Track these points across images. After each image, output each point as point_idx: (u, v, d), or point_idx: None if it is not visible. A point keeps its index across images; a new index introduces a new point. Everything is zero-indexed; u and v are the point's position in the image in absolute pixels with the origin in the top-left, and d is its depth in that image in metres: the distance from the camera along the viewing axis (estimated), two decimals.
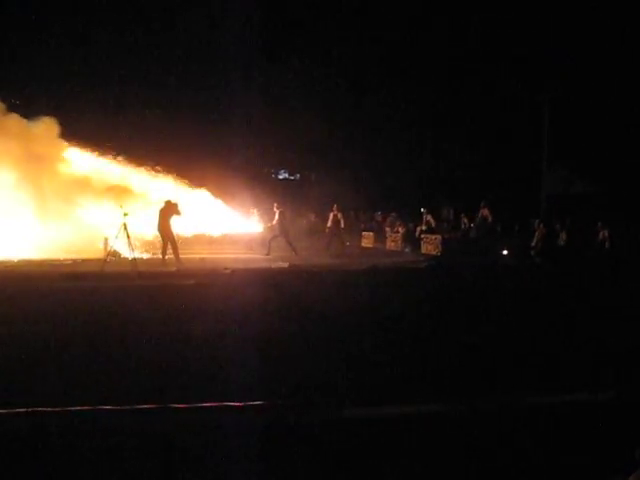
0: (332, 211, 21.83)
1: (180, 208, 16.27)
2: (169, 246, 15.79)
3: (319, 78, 31.52)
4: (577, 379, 5.35)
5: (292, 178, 39.95)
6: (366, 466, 3.57)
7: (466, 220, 22.67)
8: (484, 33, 28.60)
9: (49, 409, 4.30)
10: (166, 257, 15.66)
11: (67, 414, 4.25)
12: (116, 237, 15.22)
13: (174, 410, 4.35)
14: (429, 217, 22.95)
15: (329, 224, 21.86)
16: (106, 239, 15.85)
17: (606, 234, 16.56)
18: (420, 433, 4.05)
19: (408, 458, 3.67)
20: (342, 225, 21.75)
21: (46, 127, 18.60)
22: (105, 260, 14.62)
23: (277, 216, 19.83)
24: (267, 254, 19.09)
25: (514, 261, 17.47)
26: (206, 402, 4.49)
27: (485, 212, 21.35)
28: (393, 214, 26.66)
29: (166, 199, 16.32)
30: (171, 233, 15.78)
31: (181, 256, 15.82)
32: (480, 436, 4.03)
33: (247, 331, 7.08)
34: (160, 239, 16.18)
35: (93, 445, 3.77)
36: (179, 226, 16.73)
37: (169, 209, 16.00)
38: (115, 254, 15.57)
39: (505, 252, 18.62)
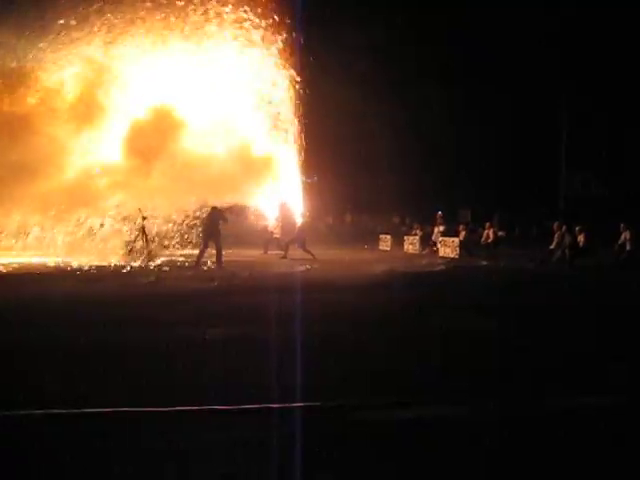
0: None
1: (227, 214, 16.60)
2: (205, 252, 15.93)
3: (334, 80, 31.49)
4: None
5: (309, 181, 39.93)
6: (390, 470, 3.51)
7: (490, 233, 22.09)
8: (507, 36, 28.45)
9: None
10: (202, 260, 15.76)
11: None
12: (135, 240, 15.36)
13: (179, 413, 4.31)
14: (440, 227, 22.63)
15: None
16: (129, 241, 15.94)
17: (628, 235, 16.43)
18: (436, 436, 3.99)
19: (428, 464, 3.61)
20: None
21: None
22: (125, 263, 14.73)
23: (301, 222, 19.81)
24: (284, 257, 19.09)
25: (533, 264, 17.31)
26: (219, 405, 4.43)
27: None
28: (409, 218, 26.54)
29: (212, 206, 16.39)
30: (219, 238, 15.93)
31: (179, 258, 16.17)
32: (507, 440, 3.97)
33: (265, 334, 7.05)
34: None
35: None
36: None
37: (217, 215, 16.21)
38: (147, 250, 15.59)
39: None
